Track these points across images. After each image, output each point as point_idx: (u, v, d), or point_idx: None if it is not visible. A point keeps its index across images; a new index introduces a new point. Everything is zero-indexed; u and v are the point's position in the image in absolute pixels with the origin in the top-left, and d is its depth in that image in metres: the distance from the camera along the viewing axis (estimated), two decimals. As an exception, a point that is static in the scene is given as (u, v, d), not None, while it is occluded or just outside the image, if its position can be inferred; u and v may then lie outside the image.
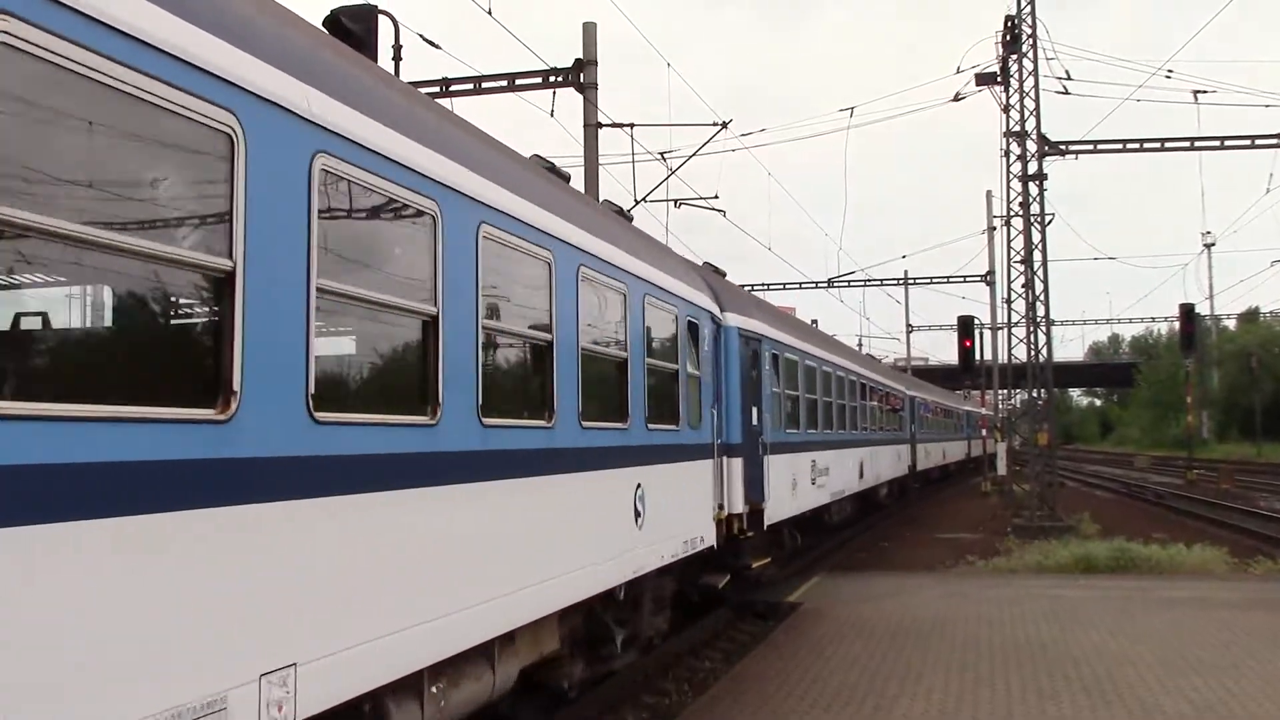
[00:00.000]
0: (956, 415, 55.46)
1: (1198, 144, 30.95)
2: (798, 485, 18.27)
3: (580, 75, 19.78)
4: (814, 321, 29.00)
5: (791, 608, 16.02)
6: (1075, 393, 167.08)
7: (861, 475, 25.86)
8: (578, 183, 14.23)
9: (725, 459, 13.96)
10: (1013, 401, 44.29)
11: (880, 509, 32.38)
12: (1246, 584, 18.29)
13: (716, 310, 14.15)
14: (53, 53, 3.93)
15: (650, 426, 10.72)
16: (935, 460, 45.93)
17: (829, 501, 21.67)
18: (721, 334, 14.30)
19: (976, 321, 36.96)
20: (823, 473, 20.50)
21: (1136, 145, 31.11)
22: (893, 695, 10.33)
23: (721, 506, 13.74)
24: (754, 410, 15.43)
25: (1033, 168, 28.94)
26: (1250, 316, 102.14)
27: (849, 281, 51.32)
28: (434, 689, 6.85)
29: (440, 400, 6.61)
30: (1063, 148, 30.23)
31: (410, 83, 12.11)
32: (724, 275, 17.49)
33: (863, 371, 27.98)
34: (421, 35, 17.29)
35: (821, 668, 11.66)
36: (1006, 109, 29.42)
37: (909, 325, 63.55)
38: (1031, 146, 28.97)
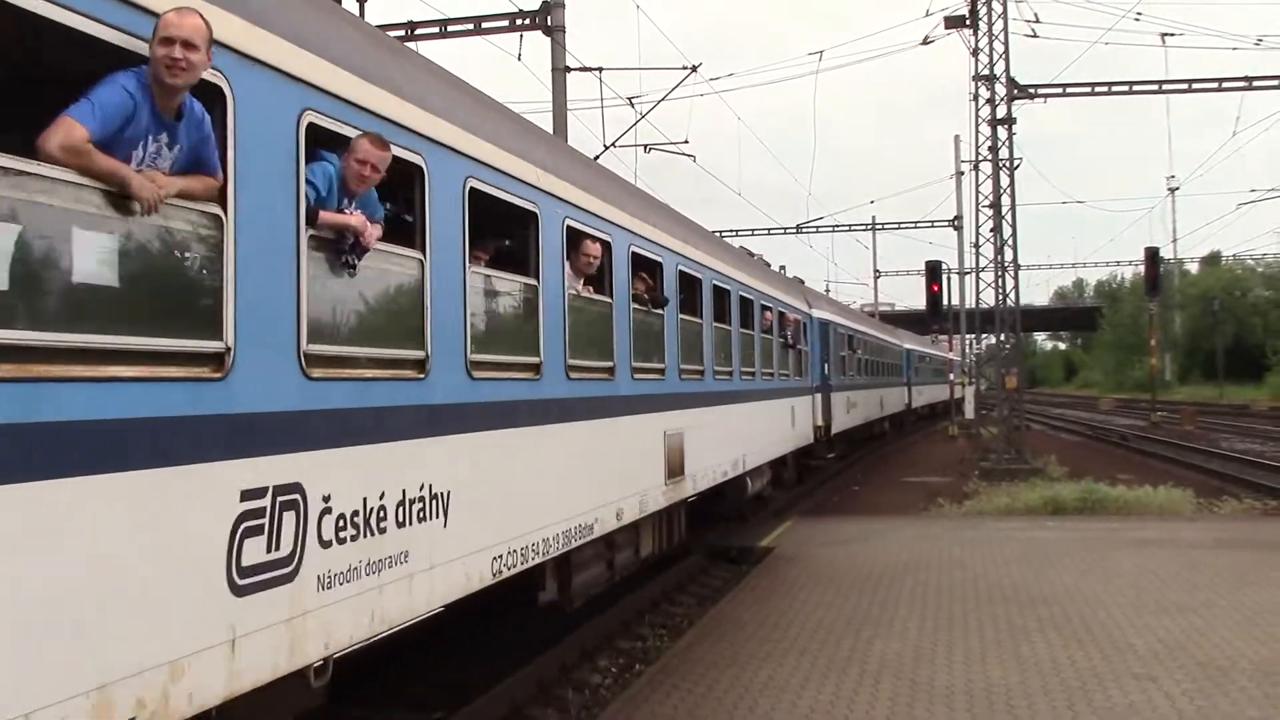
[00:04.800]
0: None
1: (1165, 87, 31.06)
2: (847, 411, 28.14)
3: (548, 18, 19.44)
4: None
5: (764, 552, 16.09)
6: (1040, 336, 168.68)
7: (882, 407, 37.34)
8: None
9: (816, 395, 23.29)
10: (979, 347, 44.55)
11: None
12: (1213, 524, 18.53)
13: (808, 309, 23.31)
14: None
15: (794, 377, 20.43)
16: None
17: (860, 423, 31.22)
18: (813, 323, 23.47)
19: (944, 266, 37.02)
20: (854, 405, 29.74)
21: (1105, 89, 31.15)
22: (867, 637, 10.40)
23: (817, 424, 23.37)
24: (825, 365, 24.54)
25: (1001, 112, 28.95)
26: (1212, 260, 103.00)
27: (817, 227, 51.53)
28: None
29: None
30: (1031, 91, 30.22)
31: (377, 27, 11.92)
32: (803, 282, 27.08)
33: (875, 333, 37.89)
34: (385, -24, 16.94)
35: (796, 611, 11.72)
36: (975, 53, 29.32)
37: (877, 271, 63.63)
38: (1000, 90, 28.94)
